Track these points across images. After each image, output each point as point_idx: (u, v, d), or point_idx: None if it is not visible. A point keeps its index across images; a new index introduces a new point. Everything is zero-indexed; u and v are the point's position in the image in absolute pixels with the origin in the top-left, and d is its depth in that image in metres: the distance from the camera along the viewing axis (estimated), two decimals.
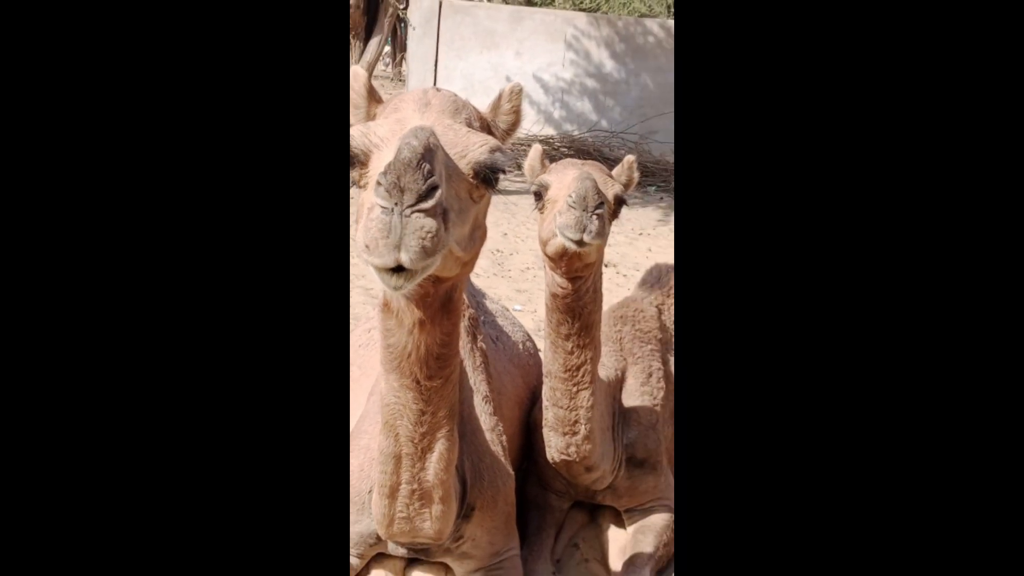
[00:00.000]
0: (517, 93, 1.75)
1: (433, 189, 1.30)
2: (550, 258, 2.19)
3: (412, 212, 1.29)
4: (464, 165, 1.54)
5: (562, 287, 2.23)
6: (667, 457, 2.85)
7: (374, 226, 1.31)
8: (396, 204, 1.29)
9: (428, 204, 1.30)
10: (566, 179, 2.14)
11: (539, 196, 2.22)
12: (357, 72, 1.75)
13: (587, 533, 2.85)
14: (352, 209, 1.51)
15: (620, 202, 2.24)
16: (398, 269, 1.35)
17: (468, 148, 1.55)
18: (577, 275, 2.21)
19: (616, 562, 2.66)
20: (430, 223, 1.31)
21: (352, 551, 2.28)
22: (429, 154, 1.31)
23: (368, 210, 1.36)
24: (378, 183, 1.30)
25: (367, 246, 1.33)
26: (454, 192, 1.48)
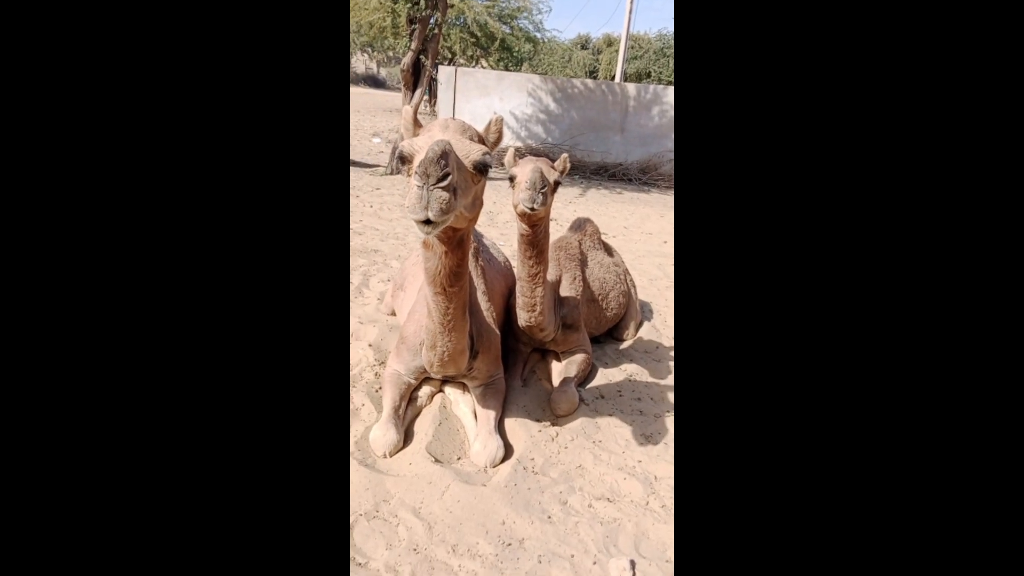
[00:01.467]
0: (499, 121, 1.72)
1: (447, 175, 1.30)
2: (518, 216, 2.16)
3: (434, 188, 1.29)
4: (468, 162, 1.51)
5: (526, 231, 2.21)
6: (583, 322, 2.83)
7: (412, 196, 1.31)
8: (425, 183, 1.29)
9: (443, 184, 1.30)
10: (525, 170, 2.10)
11: (512, 180, 2.17)
12: (407, 109, 1.72)
13: (540, 365, 2.84)
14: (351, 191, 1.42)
15: (557, 184, 2.17)
16: (427, 222, 1.35)
17: (470, 152, 1.53)
18: (534, 224, 2.18)
19: (556, 380, 2.67)
20: (445, 195, 1.31)
21: (410, 377, 2.30)
22: (445, 155, 1.31)
23: (409, 188, 1.33)
24: (415, 171, 1.30)
25: (408, 208, 1.33)
26: (462, 177, 1.47)
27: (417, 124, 1.70)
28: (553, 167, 2.22)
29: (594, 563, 1.67)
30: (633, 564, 1.67)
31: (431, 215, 1.31)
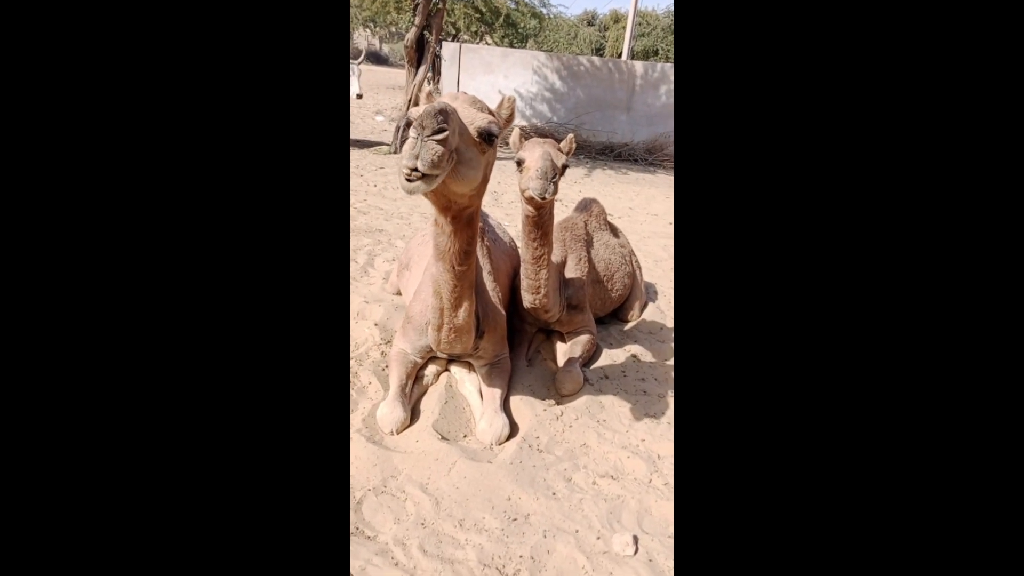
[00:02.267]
0: (511, 100, 1.71)
1: (443, 129, 1.28)
2: (525, 199, 2.14)
3: (427, 139, 1.28)
4: (472, 129, 1.50)
5: (531, 212, 2.19)
6: (587, 303, 2.84)
7: (407, 145, 1.29)
8: (419, 135, 1.28)
9: (439, 137, 1.28)
10: (534, 155, 2.07)
11: (519, 164, 2.14)
12: (426, 92, 1.76)
13: (545, 345, 2.85)
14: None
15: (565, 167, 2.15)
16: (416, 176, 1.30)
17: (475, 119, 1.51)
18: (540, 207, 2.17)
19: (560, 360, 2.68)
20: (437, 147, 1.29)
21: (416, 356, 2.31)
22: (444, 112, 1.29)
23: (407, 140, 1.33)
24: (413, 124, 1.29)
25: (402, 158, 1.31)
26: (465, 143, 1.45)
27: (430, 99, 1.68)
28: (560, 149, 2.19)
29: (598, 538, 1.71)
30: (636, 539, 1.71)
31: (420, 165, 1.27)
